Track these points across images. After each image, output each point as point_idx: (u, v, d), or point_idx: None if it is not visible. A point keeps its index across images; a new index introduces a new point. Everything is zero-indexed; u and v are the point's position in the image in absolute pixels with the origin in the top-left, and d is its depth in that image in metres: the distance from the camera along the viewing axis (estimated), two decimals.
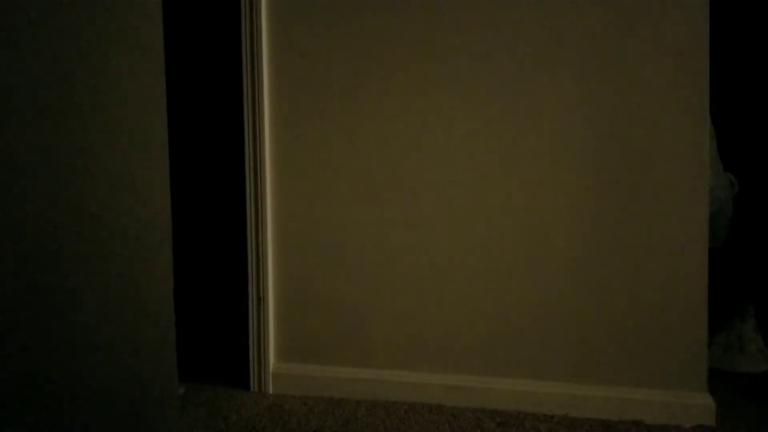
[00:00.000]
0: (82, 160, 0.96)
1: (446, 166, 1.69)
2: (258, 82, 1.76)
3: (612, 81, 1.59)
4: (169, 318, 1.16)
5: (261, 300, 1.80)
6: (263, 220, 1.78)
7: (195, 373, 1.95)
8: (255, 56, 1.76)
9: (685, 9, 1.54)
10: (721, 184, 1.84)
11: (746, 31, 2.17)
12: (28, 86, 0.87)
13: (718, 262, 1.87)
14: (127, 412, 1.07)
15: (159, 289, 1.12)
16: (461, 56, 1.66)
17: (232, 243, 2.44)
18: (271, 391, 1.81)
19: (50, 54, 0.90)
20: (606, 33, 1.58)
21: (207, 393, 1.81)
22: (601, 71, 1.59)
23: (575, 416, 1.63)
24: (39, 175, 0.89)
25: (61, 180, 0.93)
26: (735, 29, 2.15)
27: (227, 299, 2.44)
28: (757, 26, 2.16)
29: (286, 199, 1.80)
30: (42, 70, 0.89)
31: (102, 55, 0.99)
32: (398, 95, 1.71)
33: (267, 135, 1.78)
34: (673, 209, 1.58)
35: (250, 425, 1.61)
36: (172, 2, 2.48)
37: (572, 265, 1.64)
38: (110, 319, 1.01)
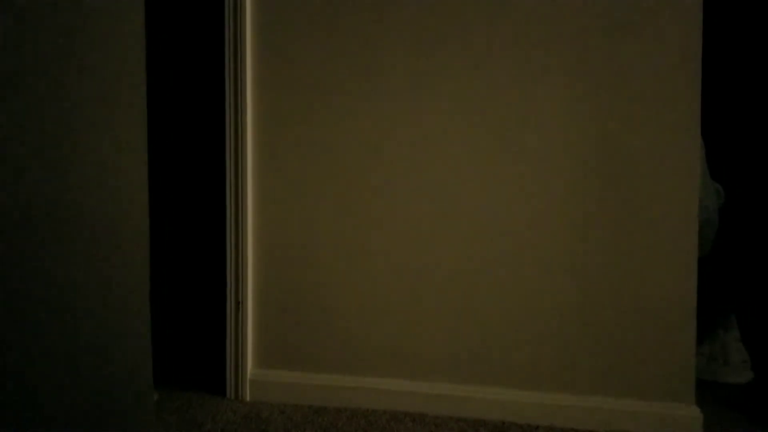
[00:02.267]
0: (60, 163, 0.91)
1: (434, 172, 1.66)
2: (241, 83, 1.71)
3: (604, 89, 1.57)
4: (145, 320, 1.10)
5: (240, 304, 1.73)
6: (244, 223, 1.73)
7: (169, 379, 1.88)
8: (238, 58, 1.70)
9: (679, 20, 1.53)
10: (709, 194, 1.83)
11: (734, 43, 2.18)
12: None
13: (702, 272, 1.87)
14: (99, 419, 1.00)
15: (135, 289, 1.07)
16: (451, 61, 1.63)
17: (211, 245, 2.38)
18: (248, 399, 1.74)
19: (35, 47, 0.86)
20: (600, 41, 1.57)
21: (181, 399, 1.74)
22: (594, 79, 1.57)
23: (561, 426, 1.59)
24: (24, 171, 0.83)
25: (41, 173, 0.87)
26: (723, 41, 2.15)
27: (205, 302, 2.37)
28: (744, 39, 2.17)
29: (268, 202, 1.74)
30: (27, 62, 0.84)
31: (82, 54, 0.94)
32: (385, 98, 1.67)
33: (249, 138, 1.73)
34: (663, 218, 1.56)
35: None
36: (157, 5, 2.42)
37: (559, 274, 1.61)
38: (84, 317, 0.95)
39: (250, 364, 1.76)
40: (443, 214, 1.66)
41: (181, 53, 2.45)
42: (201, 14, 2.44)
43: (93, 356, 0.99)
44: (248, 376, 1.75)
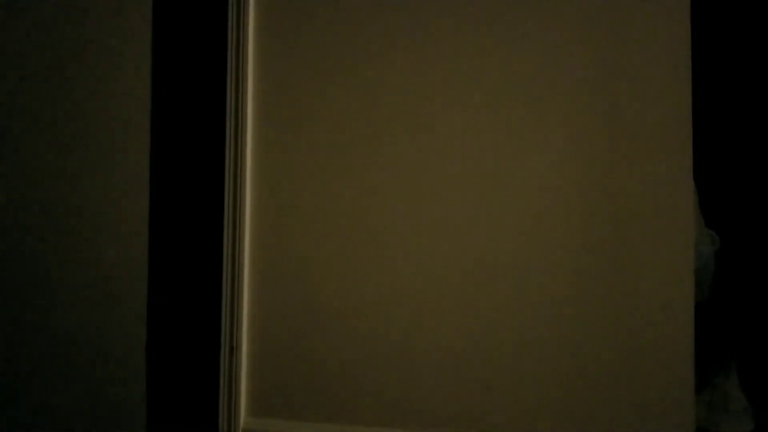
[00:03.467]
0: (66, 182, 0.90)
1: (430, 215, 1.66)
2: (242, 99, 1.72)
3: (600, 136, 1.59)
4: (140, 367, 1.08)
5: (234, 349, 1.70)
6: (240, 264, 1.71)
7: (157, 425, 1.82)
8: (240, 70, 1.72)
9: (671, 72, 1.57)
10: (704, 240, 1.84)
11: (725, 88, 2.23)
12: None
13: (700, 317, 1.86)
14: None
15: (132, 341, 1.05)
16: (446, 114, 1.66)
17: (205, 286, 2.35)
18: None
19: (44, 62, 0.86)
20: (590, 88, 1.60)
21: None
22: (589, 126, 1.60)
23: None
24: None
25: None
26: (714, 87, 2.21)
27: (197, 346, 2.32)
28: (734, 83, 2.23)
29: (267, 242, 1.73)
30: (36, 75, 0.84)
31: (89, 64, 0.95)
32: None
33: (248, 192, 1.73)
34: (658, 265, 1.56)
35: None
36: (160, 21, 2.44)
37: (554, 321, 1.60)
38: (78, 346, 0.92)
39: (244, 411, 1.72)
40: (444, 258, 1.65)
41: (181, 62, 2.46)
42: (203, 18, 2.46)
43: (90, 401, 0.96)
44: (241, 424, 1.70)
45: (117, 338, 1.02)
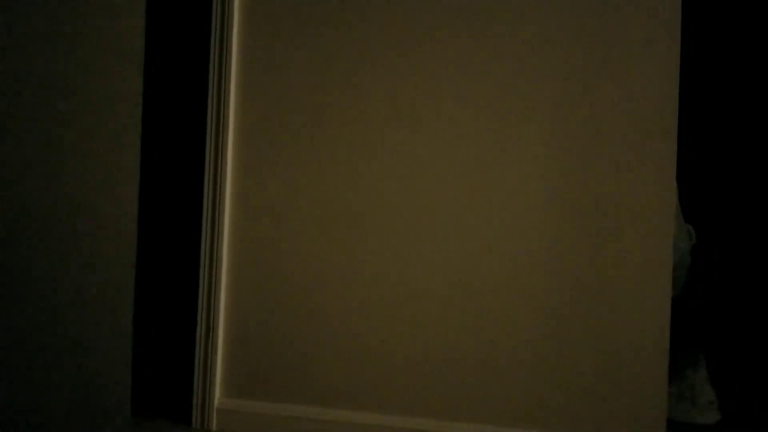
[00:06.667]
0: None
1: (410, 211, 1.65)
2: (225, 93, 1.69)
3: (582, 134, 1.59)
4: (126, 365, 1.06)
5: (211, 330, 1.68)
6: (219, 246, 1.69)
7: (132, 405, 1.81)
8: (223, 68, 1.69)
9: (657, 71, 1.57)
10: (682, 235, 1.87)
11: (706, 87, 2.25)
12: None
13: (672, 311, 1.89)
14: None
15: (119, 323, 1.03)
16: (430, 114, 1.64)
17: (183, 265, 2.32)
18: (214, 429, 1.68)
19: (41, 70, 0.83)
20: (577, 87, 1.60)
21: (145, 428, 1.67)
22: (572, 124, 1.60)
23: None
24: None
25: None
26: (696, 85, 2.22)
27: (173, 326, 2.29)
28: (715, 83, 2.25)
29: (245, 223, 1.71)
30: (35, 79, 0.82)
31: (85, 63, 0.92)
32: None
33: (230, 151, 1.70)
34: (637, 259, 1.58)
35: None
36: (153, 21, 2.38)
37: (532, 310, 1.61)
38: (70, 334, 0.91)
39: (218, 392, 1.71)
40: (424, 249, 1.65)
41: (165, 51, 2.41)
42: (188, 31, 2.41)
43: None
44: (215, 404, 1.69)
45: (105, 323, 1.01)
